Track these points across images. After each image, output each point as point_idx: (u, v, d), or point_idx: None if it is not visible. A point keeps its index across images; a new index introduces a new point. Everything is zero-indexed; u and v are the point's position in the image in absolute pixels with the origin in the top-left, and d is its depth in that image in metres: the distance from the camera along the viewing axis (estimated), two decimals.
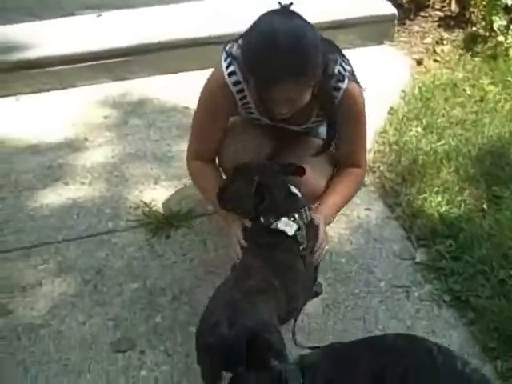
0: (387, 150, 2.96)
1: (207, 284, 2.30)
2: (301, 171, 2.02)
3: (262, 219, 1.92)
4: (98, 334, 2.13)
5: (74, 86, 3.59)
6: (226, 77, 2.04)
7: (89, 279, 2.33)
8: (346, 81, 2.03)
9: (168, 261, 2.42)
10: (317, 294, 2.24)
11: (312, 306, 2.18)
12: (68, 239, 2.53)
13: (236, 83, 2.03)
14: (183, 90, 3.39)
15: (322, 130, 2.24)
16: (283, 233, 1.91)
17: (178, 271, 2.37)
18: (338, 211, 2.24)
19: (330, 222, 2.19)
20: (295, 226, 1.93)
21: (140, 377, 1.98)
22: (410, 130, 3.09)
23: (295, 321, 1.90)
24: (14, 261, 2.43)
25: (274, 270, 1.84)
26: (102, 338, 2.11)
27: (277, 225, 1.92)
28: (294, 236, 1.92)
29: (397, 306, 2.23)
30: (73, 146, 3.13)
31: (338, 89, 2.03)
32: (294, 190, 1.98)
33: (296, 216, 1.94)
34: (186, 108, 3.36)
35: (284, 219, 1.92)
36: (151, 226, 2.57)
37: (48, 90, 3.57)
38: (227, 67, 2.04)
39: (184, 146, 3.02)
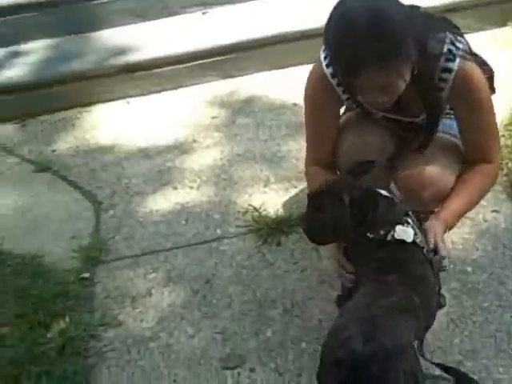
0: None
1: (320, 295, 2.17)
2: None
3: (370, 235, 1.72)
4: (207, 348, 2.04)
5: (183, 86, 3.56)
6: (324, 68, 1.90)
7: (197, 289, 2.27)
8: (458, 60, 1.81)
9: (279, 270, 2.31)
10: (440, 307, 2.04)
11: (435, 320, 1.98)
12: (177, 247, 2.48)
13: (333, 75, 1.88)
14: (292, 85, 3.23)
15: (451, 123, 2.04)
16: (402, 242, 1.71)
17: (290, 281, 2.25)
18: (463, 215, 2.00)
19: (452, 228, 1.96)
20: (412, 232, 1.72)
21: None
22: None
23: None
24: (125, 269, 2.40)
25: (410, 285, 1.65)
26: (210, 353, 2.02)
27: (393, 235, 1.71)
28: (413, 242, 1.72)
29: None
30: (182, 148, 3.09)
31: (449, 70, 1.81)
32: (382, 191, 1.77)
33: (409, 220, 1.74)
34: (296, 105, 3.24)
35: (399, 227, 1.71)
36: (261, 233, 2.47)
37: (158, 92, 3.57)
38: (325, 58, 1.90)
39: (294, 146, 2.95)
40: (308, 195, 1.85)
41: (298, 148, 2.91)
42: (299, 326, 2.08)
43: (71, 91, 3.57)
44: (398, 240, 1.71)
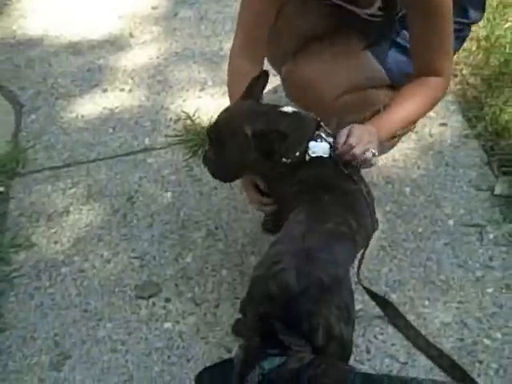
0: (474, 47, 2.47)
1: (247, 216, 2.03)
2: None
3: (285, 160, 1.53)
4: (123, 274, 1.93)
5: None
6: None
7: (118, 207, 2.12)
8: None
9: (206, 186, 2.15)
10: (373, 230, 1.92)
11: None
12: (101, 158, 2.30)
13: None
14: None
15: (395, 56, 1.82)
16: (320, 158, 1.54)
17: (216, 200, 2.10)
18: (400, 127, 1.77)
19: (387, 137, 1.74)
20: (327, 145, 1.55)
21: (163, 329, 1.78)
22: (506, 22, 2.56)
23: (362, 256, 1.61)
24: (43, 183, 2.24)
25: (344, 204, 1.51)
26: (125, 280, 1.91)
27: (310, 154, 1.53)
28: (331, 156, 1.54)
29: (466, 252, 1.88)
30: (116, 43, 2.84)
31: None
32: (286, 109, 1.58)
33: (321, 134, 1.56)
34: None
35: (312, 143, 1.54)
36: (191, 144, 2.29)
37: None
38: None
39: None
40: (206, 130, 1.66)
41: None
42: (221, 251, 1.96)
43: None
44: (316, 157, 1.54)
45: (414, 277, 1.84)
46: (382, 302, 1.72)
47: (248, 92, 1.61)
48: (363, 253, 1.59)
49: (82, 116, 2.49)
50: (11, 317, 1.84)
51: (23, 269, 1.97)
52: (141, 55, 2.75)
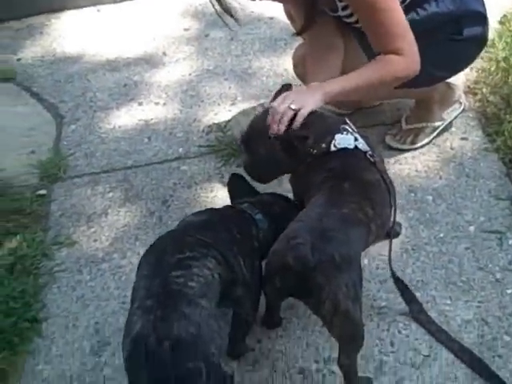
0: (493, 67, 2.59)
1: None
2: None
3: (313, 151, 1.70)
4: None
5: None
6: None
7: (154, 210, 2.24)
8: None
9: None
10: (397, 234, 2.03)
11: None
12: (137, 165, 2.43)
13: None
14: None
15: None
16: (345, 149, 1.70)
17: None
18: (348, 90, 1.83)
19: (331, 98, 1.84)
20: (352, 137, 1.71)
21: None
22: None
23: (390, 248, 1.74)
24: (83, 187, 2.37)
25: (363, 194, 1.64)
26: None
27: (335, 144, 1.69)
28: (356, 147, 1.70)
29: (486, 256, 1.97)
30: (150, 61, 3.00)
31: None
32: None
33: (347, 128, 1.72)
34: (272, 19, 3.11)
35: (338, 136, 1.70)
36: (222, 153, 2.41)
37: None
38: None
39: (266, 63, 2.85)
40: (240, 138, 1.82)
41: (269, 65, 2.82)
42: None
43: None
44: (341, 149, 1.69)
45: (436, 277, 1.92)
46: (408, 297, 1.81)
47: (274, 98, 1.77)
48: (390, 245, 1.71)
49: (119, 127, 2.63)
50: (54, 307, 1.95)
51: (65, 264, 2.08)
52: (174, 72, 2.90)
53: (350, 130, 1.71)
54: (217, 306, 1.43)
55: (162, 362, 1.26)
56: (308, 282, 1.43)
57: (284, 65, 2.78)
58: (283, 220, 1.61)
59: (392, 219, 1.73)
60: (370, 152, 1.72)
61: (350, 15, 1.96)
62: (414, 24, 1.86)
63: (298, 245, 1.44)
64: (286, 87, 1.83)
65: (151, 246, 1.53)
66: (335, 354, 1.66)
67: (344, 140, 1.69)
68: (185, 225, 1.63)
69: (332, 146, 1.69)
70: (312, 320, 1.81)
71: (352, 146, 1.69)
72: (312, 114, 1.72)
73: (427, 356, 1.72)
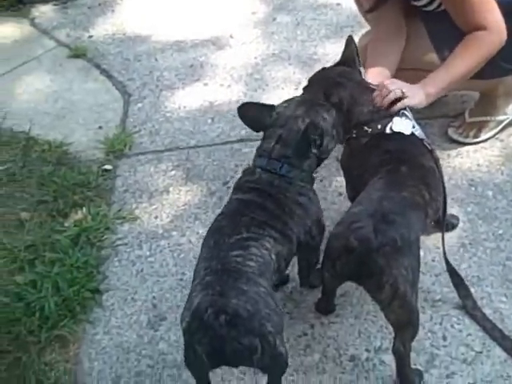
0: None
1: (335, 207, 2.15)
2: None
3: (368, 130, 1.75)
4: None
5: None
6: None
7: (214, 190, 2.28)
8: None
9: None
10: (452, 227, 2.01)
11: (446, 243, 1.94)
12: (200, 145, 2.48)
13: None
14: None
15: None
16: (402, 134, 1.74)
17: None
18: (452, 82, 1.93)
19: (437, 94, 1.92)
20: (410, 123, 1.74)
21: None
22: None
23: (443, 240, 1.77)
24: (146, 164, 2.43)
25: (420, 178, 1.66)
26: None
27: (391, 127, 1.73)
28: (412, 134, 1.73)
29: None
30: (217, 43, 3.03)
31: None
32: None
33: (406, 113, 1.75)
34: (339, 4, 3.10)
35: (396, 118, 1.74)
36: None
37: None
38: None
39: (331, 48, 2.85)
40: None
41: (334, 51, 2.81)
42: None
43: None
44: (397, 132, 1.72)
45: (493, 274, 1.91)
46: (463, 292, 1.80)
47: None
48: (443, 237, 1.75)
49: (184, 107, 2.68)
50: (115, 279, 2.02)
51: (126, 238, 2.15)
52: (240, 55, 2.92)
53: (408, 114, 1.74)
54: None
55: (217, 336, 1.31)
56: (369, 265, 1.45)
57: None
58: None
59: (442, 210, 1.74)
60: (426, 140, 1.74)
61: None
62: None
63: (360, 228, 1.46)
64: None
65: (209, 229, 1.57)
66: (386, 344, 1.69)
67: (402, 124, 1.72)
68: (237, 204, 1.66)
69: (388, 128, 1.72)
70: (365, 308, 1.82)
71: (408, 132, 1.72)
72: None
73: (479, 352, 1.72)
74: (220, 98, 2.69)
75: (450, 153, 2.26)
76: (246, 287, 1.38)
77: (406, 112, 1.76)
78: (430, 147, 1.74)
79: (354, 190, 1.79)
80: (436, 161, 1.74)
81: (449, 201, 2.04)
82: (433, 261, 1.94)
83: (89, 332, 1.88)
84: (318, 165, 1.75)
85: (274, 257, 1.53)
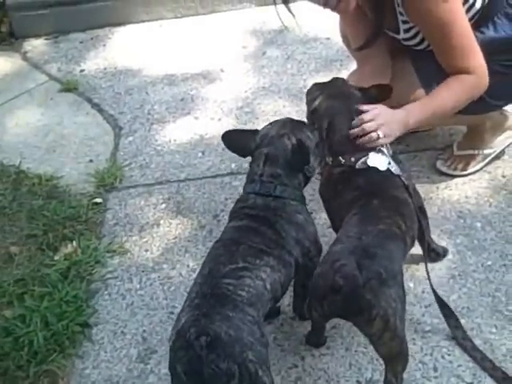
0: None
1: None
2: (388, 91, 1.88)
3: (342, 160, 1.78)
4: None
5: (216, 12, 3.49)
6: None
7: (205, 224, 2.29)
8: None
9: None
10: (437, 255, 2.02)
11: (435, 275, 1.97)
12: (190, 178, 2.49)
13: None
14: (326, 18, 3.15)
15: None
16: (377, 169, 1.75)
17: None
18: (432, 117, 1.95)
19: (413, 125, 1.92)
20: (385, 159, 1.75)
21: None
22: None
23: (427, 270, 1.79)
24: (137, 197, 2.44)
25: (394, 209, 1.67)
26: None
27: (365, 162, 1.75)
28: (388, 170, 1.75)
29: None
30: (208, 77, 3.07)
31: None
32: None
33: (383, 149, 1.77)
34: (328, 39, 3.15)
35: (372, 154, 1.75)
36: None
37: (190, 15, 3.51)
38: None
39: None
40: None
41: None
42: None
43: (106, 9, 3.53)
44: (369, 167, 1.74)
45: (483, 305, 1.91)
46: (453, 322, 1.81)
47: None
48: (426, 264, 1.77)
49: (175, 140, 2.70)
50: (104, 313, 2.01)
51: (117, 272, 2.15)
52: (230, 88, 2.96)
53: (385, 150, 1.76)
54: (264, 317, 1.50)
55: (196, 356, 1.32)
56: (358, 302, 1.46)
57: None
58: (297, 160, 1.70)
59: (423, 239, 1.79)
60: (403, 175, 1.76)
61: (412, 38, 1.99)
62: None
63: (344, 265, 1.47)
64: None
65: (206, 256, 1.60)
66: (377, 376, 1.69)
67: (377, 160, 1.74)
68: (232, 232, 1.66)
69: (361, 162, 1.74)
70: (356, 340, 1.82)
71: (383, 168, 1.73)
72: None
73: (470, 383, 1.71)
74: (210, 132, 2.71)
75: (439, 185, 2.28)
76: (232, 313, 1.40)
77: (382, 148, 1.77)
78: (405, 182, 1.75)
79: (334, 222, 1.82)
80: (410, 195, 1.74)
81: (438, 232, 2.08)
82: (422, 292, 1.95)
83: (78, 366, 1.86)
84: (306, 183, 1.79)
85: (268, 287, 1.53)
